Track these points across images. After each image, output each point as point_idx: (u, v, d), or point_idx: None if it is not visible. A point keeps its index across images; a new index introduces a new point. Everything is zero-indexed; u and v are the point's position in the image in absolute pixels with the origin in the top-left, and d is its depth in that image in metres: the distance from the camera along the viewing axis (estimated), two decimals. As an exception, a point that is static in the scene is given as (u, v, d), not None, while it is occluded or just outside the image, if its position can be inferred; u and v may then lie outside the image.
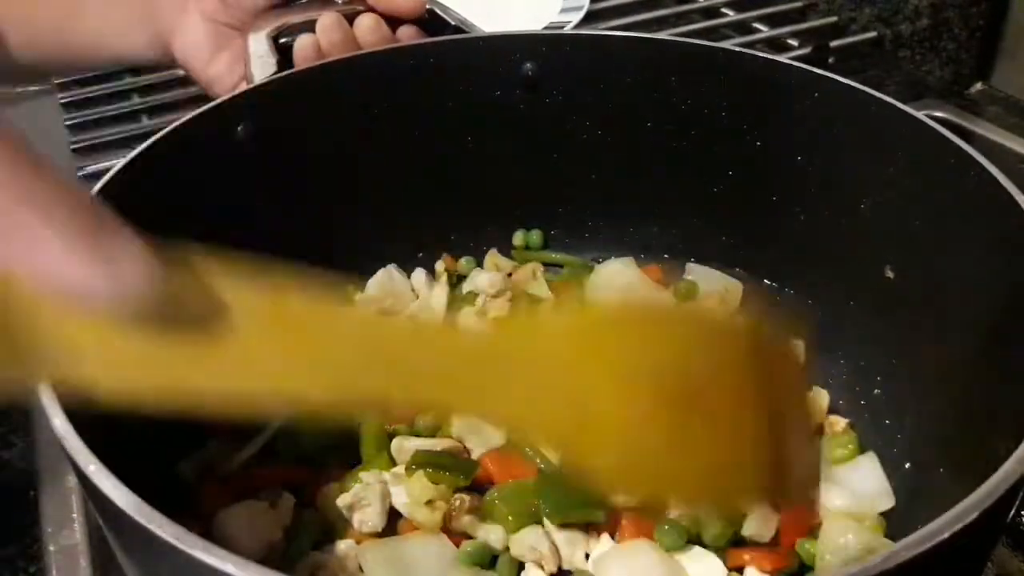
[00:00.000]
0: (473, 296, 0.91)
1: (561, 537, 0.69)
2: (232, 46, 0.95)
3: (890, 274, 0.76)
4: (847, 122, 0.76)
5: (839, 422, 0.78)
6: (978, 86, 1.30)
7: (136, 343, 0.42)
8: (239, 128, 0.79)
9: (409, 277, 0.93)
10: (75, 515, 0.74)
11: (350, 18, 0.92)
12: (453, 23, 0.93)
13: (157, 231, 0.72)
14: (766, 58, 0.81)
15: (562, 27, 1.32)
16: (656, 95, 0.85)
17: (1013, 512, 0.51)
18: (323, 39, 0.89)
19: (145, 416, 0.66)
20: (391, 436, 0.78)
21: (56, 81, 1.29)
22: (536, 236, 0.96)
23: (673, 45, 0.84)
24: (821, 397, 0.80)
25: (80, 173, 1.14)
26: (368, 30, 0.91)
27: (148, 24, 0.98)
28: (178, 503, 0.69)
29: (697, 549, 0.68)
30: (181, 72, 1.32)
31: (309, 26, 0.92)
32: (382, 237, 0.92)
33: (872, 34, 1.37)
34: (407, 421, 0.79)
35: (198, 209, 0.76)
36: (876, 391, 0.78)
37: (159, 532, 0.43)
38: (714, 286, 0.90)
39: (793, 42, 1.35)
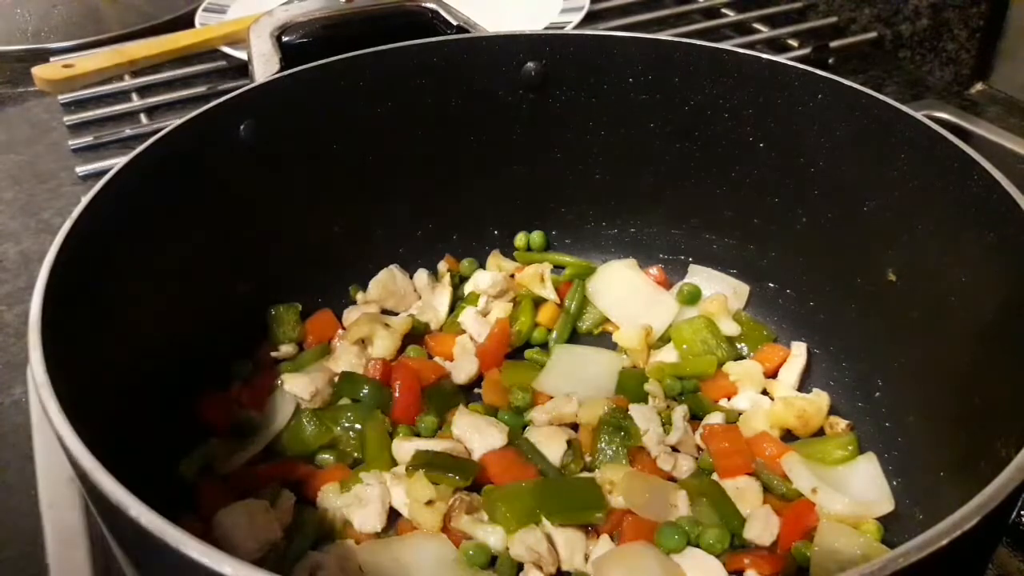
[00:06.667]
0: (475, 296, 0.91)
1: (560, 538, 0.69)
2: None
3: (892, 277, 0.75)
4: (848, 123, 0.76)
5: (839, 423, 0.78)
6: (978, 86, 1.29)
7: None
8: (241, 127, 0.78)
9: (411, 277, 0.93)
10: (75, 515, 0.74)
11: (353, 19, 0.92)
12: (457, 23, 0.93)
13: (157, 231, 0.72)
14: (768, 59, 0.81)
15: (563, 27, 1.31)
16: (659, 96, 0.85)
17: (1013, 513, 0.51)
18: None
19: (145, 415, 0.66)
20: (392, 436, 0.78)
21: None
22: (538, 237, 0.96)
23: (676, 46, 0.83)
24: (822, 399, 0.80)
25: (80, 173, 1.14)
26: None
27: None
28: (178, 503, 0.70)
29: (697, 552, 0.68)
30: (181, 72, 1.33)
31: (312, 24, 0.92)
32: (384, 237, 0.92)
33: (872, 34, 1.37)
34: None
35: (198, 209, 0.76)
36: (877, 394, 0.78)
37: (158, 532, 0.43)
38: (717, 288, 0.90)
39: (793, 42, 1.35)
